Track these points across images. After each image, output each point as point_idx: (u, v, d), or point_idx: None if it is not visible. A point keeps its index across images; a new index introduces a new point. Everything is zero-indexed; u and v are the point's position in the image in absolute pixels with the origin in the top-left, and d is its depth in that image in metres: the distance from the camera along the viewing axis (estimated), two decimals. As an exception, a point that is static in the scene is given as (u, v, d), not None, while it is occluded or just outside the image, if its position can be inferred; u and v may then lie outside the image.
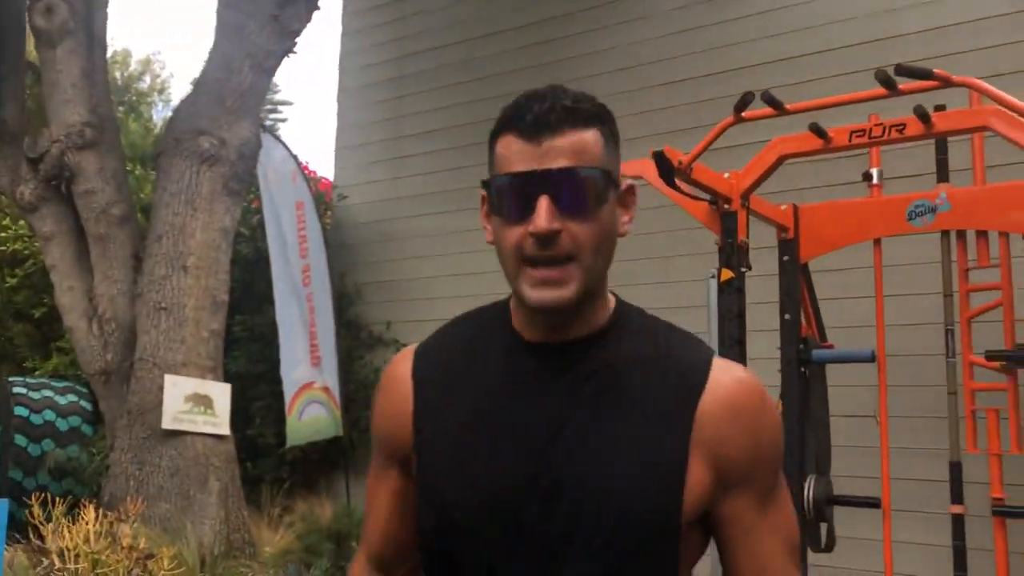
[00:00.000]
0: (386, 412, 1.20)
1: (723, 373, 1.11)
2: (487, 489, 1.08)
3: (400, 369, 1.20)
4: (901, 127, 3.28)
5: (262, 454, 6.59)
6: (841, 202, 4.05)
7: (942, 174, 3.86)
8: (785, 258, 4.04)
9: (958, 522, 3.65)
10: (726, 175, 3.58)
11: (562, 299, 1.07)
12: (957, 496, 3.66)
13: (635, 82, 6.11)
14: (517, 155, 1.07)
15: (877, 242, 3.93)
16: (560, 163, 1.06)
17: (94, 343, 4.70)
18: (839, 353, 3.99)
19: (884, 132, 3.31)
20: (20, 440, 6.15)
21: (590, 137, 1.08)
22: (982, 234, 3.71)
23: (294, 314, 5.88)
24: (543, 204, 1.05)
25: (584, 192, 1.07)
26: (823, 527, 3.99)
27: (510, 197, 1.08)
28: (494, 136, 1.13)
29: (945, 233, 3.78)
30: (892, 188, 4.07)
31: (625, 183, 1.13)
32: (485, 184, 1.13)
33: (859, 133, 3.36)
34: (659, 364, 1.12)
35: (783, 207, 4.01)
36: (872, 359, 3.81)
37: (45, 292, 7.23)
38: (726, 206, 3.58)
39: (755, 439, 1.09)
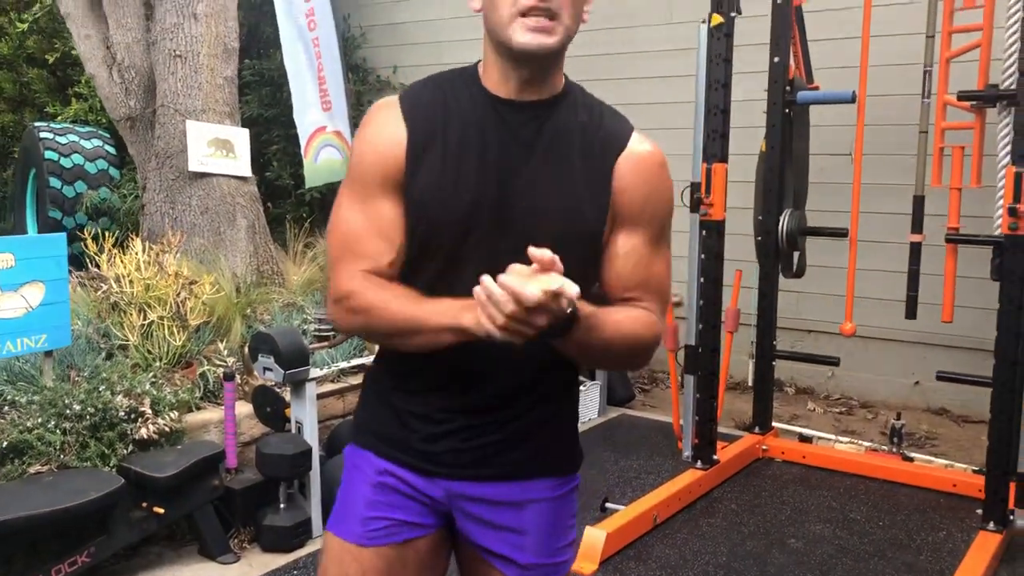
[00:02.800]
0: (381, 141, 1.40)
1: (638, 143, 1.45)
2: (461, 207, 1.38)
3: (391, 110, 1.42)
4: None
5: (281, 195, 6.96)
6: (838, -58, 4.08)
7: (939, -88, 3.86)
8: (779, 0, 4.13)
9: (916, 249, 4.04)
10: (721, -84, 3.62)
11: (547, 45, 1.34)
12: (917, 226, 4.03)
13: None
14: None
15: (869, -18, 4.00)
16: None
17: (116, 90, 4.91)
18: (822, 95, 4.19)
19: None
20: (54, 182, 6.51)
21: None
22: (971, -25, 3.79)
23: (301, 59, 5.97)
24: None
25: None
26: (795, 256, 4.41)
27: None
28: None
29: (935, -26, 3.86)
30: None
31: None
32: None
33: None
34: (592, 131, 1.44)
35: (780, -53, 4.04)
36: (853, 100, 4.02)
37: (56, 37, 7.31)
38: (720, -51, 3.64)
39: (649, 191, 1.43)
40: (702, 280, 3.91)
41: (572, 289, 1.17)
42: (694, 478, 3.82)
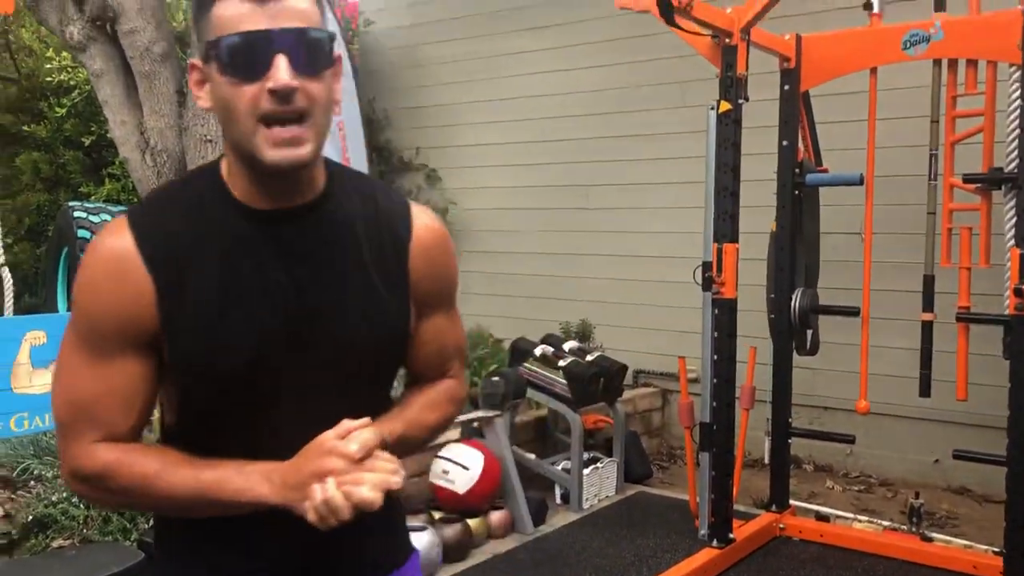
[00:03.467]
0: (118, 294, 1.14)
1: (420, 221, 1.31)
2: (244, 349, 1.17)
3: (122, 247, 1.14)
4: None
5: (305, 271, 7.13)
6: (842, 32, 4.23)
7: (939, 3, 4.01)
8: (786, 87, 4.28)
9: (927, 328, 4.08)
10: (728, 10, 3.77)
11: (300, 157, 1.12)
12: (928, 305, 4.07)
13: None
14: (245, 17, 1.10)
15: (873, 70, 4.14)
16: (292, 24, 1.10)
17: (148, 173, 5.11)
18: (830, 177, 4.30)
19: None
20: (86, 260, 6.71)
21: (308, 4, 1.14)
22: (972, 62, 3.91)
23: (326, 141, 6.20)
24: (282, 61, 1.09)
25: (316, 52, 1.13)
26: (809, 334, 4.45)
27: (244, 55, 1.10)
28: (208, 1, 1.14)
29: (937, 61, 3.98)
30: (891, 16, 4.22)
31: (335, 53, 1.18)
32: (209, 45, 1.13)
33: (853, -33, 3.52)
34: (372, 220, 1.26)
35: (786, 37, 4.20)
36: (860, 182, 4.12)
37: (92, 121, 7.59)
38: (727, 40, 3.80)
39: (441, 271, 1.34)
40: (716, 357, 3.96)
41: (400, 477, 1.12)
42: (710, 557, 3.80)
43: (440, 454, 4.23)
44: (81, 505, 3.09)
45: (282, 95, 1.10)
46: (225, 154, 1.22)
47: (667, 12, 3.43)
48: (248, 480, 1.14)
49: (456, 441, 4.36)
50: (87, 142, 7.61)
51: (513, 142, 6.83)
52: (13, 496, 3.12)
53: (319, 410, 1.18)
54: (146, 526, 3.17)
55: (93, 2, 4.82)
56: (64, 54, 7.31)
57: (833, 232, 4.74)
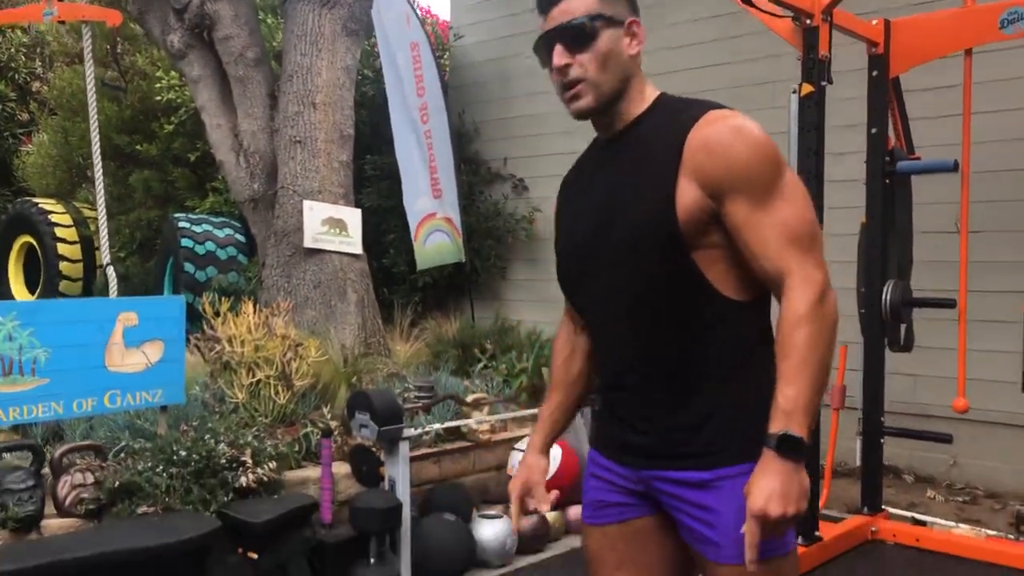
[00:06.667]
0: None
1: (706, 122, 1.51)
2: (572, 239, 1.70)
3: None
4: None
5: (396, 281, 7.24)
6: (933, 14, 4.08)
7: (1039, -22, 3.82)
8: (874, 73, 4.15)
9: (1031, 322, 3.85)
10: (809, -9, 3.69)
11: (580, 108, 1.60)
12: (1032, 297, 3.85)
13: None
14: (542, 26, 1.63)
15: (968, 52, 3.97)
16: (559, 22, 1.59)
17: (242, 174, 5.31)
18: (922, 164, 4.12)
19: (965, -63, 3.34)
20: (188, 267, 7.01)
21: (577, 3, 1.58)
22: (1076, 39, 3.71)
23: (413, 150, 6.30)
24: (555, 50, 1.58)
25: (579, 35, 1.57)
26: (903, 329, 4.26)
27: (541, 51, 1.63)
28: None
29: (1038, 40, 3.80)
30: None
31: (629, 19, 1.61)
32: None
33: (940, -60, 3.40)
34: (670, 127, 1.54)
35: (874, 22, 4.09)
36: (955, 169, 3.95)
37: (198, 138, 7.96)
38: (808, 21, 3.71)
39: (727, 160, 1.47)
40: (799, 349, 3.82)
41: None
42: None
43: (517, 446, 4.21)
44: (164, 475, 3.19)
45: (559, 71, 1.59)
46: None
47: (745, -9, 3.37)
48: None
49: (534, 434, 4.33)
50: (193, 158, 7.98)
51: (599, 149, 6.81)
52: (103, 464, 3.25)
53: (609, 286, 1.59)
54: (225, 499, 3.25)
55: (192, 11, 5.09)
56: (173, 73, 7.70)
57: (931, 231, 4.54)
